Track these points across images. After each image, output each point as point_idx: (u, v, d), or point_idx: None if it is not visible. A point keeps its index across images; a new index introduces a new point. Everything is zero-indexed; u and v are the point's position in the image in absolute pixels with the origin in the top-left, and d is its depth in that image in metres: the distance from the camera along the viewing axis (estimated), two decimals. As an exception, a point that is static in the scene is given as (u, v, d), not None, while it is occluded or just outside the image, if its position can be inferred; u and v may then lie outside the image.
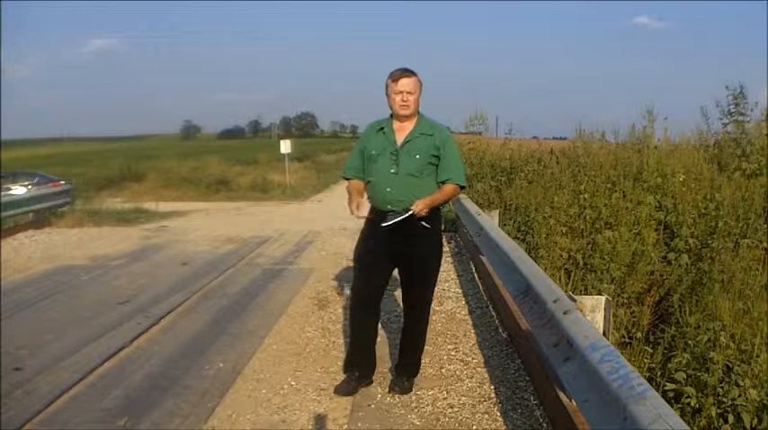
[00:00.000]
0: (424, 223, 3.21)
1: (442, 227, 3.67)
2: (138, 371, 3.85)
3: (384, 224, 3.18)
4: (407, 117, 3.23)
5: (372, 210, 3.29)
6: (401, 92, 3.16)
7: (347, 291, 5.60)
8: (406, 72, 3.19)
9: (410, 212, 3.11)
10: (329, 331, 4.56)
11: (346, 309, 5.08)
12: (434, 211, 3.29)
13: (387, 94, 3.24)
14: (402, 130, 3.25)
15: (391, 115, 3.29)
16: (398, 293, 3.91)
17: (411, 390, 3.44)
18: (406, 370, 3.51)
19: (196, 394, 3.47)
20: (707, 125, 10.24)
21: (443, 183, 3.25)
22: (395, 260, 3.35)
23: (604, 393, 2.10)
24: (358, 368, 3.48)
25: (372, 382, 3.52)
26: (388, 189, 3.20)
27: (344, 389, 3.40)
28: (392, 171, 3.21)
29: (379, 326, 3.77)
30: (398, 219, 3.13)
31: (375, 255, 3.32)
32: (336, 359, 3.95)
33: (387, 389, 3.45)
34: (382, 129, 3.29)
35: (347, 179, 3.42)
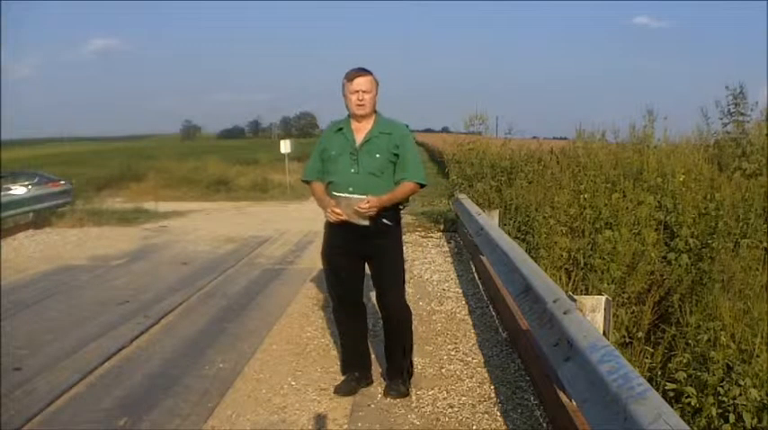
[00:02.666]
0: (385, 220, 3.21)
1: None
2: (138, 371, 3.85)
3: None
4: (364, 116, 3.23)
5: None
6: (356, 91, 3.17)
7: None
8: (361, 71, 3.21)
9: (363, 198, 3.09)
10: (329, 331, 4.55)
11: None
12: (393, 209, 3.26)
13: (343, 95, 3.24)
14: (360, 130, 3.25)
15: (349, 115, 3.28)
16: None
17: (408, 394, 3.38)
18: (399, 374, 3.44)
19: (196, 394, 3.47)
20: (707, 125, 10.22)
21: (400, 181, 3.21)
22: (361, 258, 3.34)
23: (604, 393, 2.10)
24: (355, 368, 3.48)
25: (372, 382, 3.52)
26: (350, 188, 3.17)
27: (344, 390, 3.40)
28: (352, 171, 3.20)
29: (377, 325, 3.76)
30: (352, 198, 3.10)
31: (340, 254, 3.31)
32: (336, 359, 3.95)
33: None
34: (341, 129, 3.28)
35: (307, 182, 3.38)
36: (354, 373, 3.47)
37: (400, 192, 3.22)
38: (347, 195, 3.14)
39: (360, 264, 3.37)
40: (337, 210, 3.14)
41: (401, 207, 3.37)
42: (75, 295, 5.92)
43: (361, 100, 3.18)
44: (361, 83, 3.18)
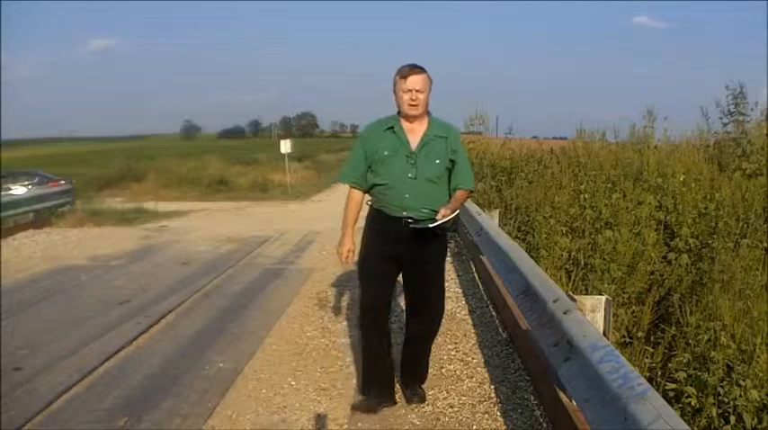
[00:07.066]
0: (439, 229, 3.08)
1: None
2: (138, 371, 3.85)
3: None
4: (416, 117, 3.00)
5: (379, 215, 3.07)
6: (410, 90, 2.92)
7: (347, 291, 5.60)
8: (416, 68, 2.95)
9: (443, 220, 2.88)
10: (329, 331, 4.56)
11: (346, 309, 5.09)
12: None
13: (394, 92, 3.00)
14: (414, 132, 3.01)
15: (399, 113, 3.04)
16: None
17: (426, 397, 3.33)
18: (420, 380, 3.37)
19: (196, 394, 3.47)
20: (707, 125, 10.22)
21: (456, 188, 3.04)
22: (400, 266, 3.14)
23: (604, 393, 2.10)
24: (376, 384, 3.25)
25: (396, 402, 3.27)
26: (407, 195, 2.97)
27: (364, 408, 3.21)
28: (410, 176, 2.97)
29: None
30: (439, 223, 2.88)
31: (383, 263, 3.09)
32: (336, 359, 3.95)
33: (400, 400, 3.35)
34: (391, 128, 3.02)
35: (348, 183, 3.12)
36: (375, 390, 3.24)
37: (459, 200, 3.03)
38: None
39: (395, 275, 3.16)
40: (348, 256, 3.10)
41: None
42: (75, 295, 5.92)
43: (414, 100, 2.93)
44: (415, 81, 2.93)
